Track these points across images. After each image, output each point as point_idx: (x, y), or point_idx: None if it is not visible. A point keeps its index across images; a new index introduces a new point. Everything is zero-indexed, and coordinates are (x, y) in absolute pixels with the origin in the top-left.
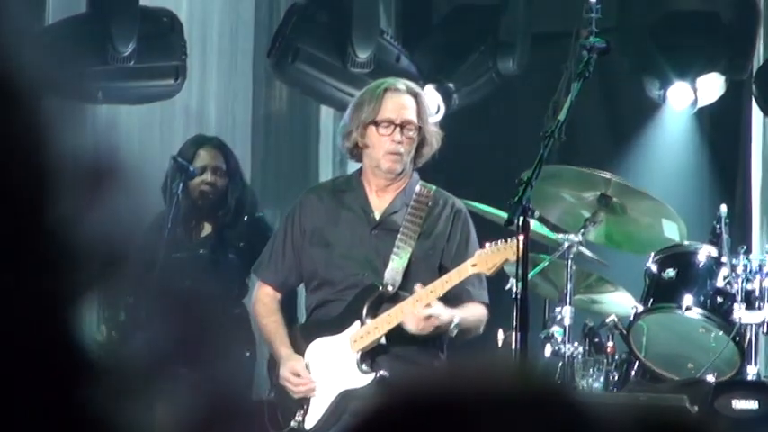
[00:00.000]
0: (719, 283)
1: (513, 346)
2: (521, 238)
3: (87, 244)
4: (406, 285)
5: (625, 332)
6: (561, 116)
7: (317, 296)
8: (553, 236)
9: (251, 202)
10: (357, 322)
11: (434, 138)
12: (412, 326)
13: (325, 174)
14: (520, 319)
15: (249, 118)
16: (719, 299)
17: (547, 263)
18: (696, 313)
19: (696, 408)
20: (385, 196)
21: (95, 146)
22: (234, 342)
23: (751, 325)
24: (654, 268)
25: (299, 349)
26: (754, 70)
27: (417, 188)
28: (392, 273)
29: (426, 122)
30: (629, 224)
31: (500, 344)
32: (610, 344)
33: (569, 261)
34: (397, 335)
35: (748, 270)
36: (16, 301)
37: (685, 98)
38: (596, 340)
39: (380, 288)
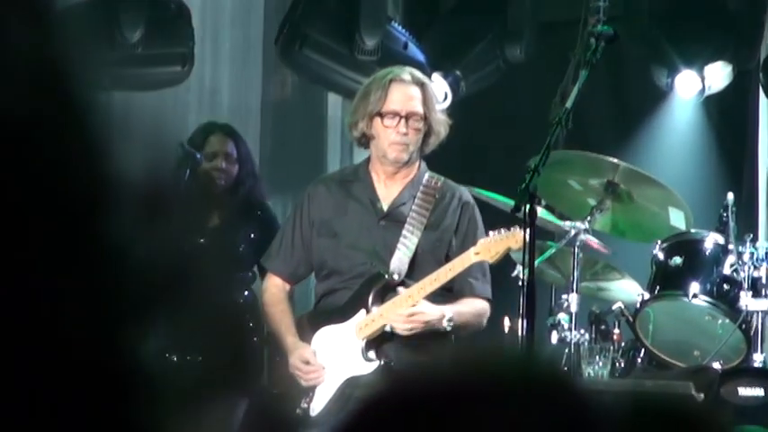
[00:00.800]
0: (726, 270)
1: (520, 333)
2: (527, 225)
3: (151, 260)
4: (411, 276)
5: (631, 319)
6: (568, 104)
7: (325, 285)
8: (560, 223)
9: (260, 192)
10: (363, 310)
11: (441, 126)
12: (399, 326)
13: (334, 161)
14: (526, 306)
15: (259, 105)
16: (726, 286)
17: (554, 250)
18: (702, 301)
19: (702, 395)
20: (393, 186)
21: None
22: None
23: (757, 312)
24: (660, 256)
25: (306, 337)
26: (762, 59)
27: (425, 178)
28: (398, 263)
29: (433, 111)
30: (635, 212)
31: (506, 330)
32: (616, 331)
33: (576, 248)
34: None
35: (755, 258)
36: (74, 313)
37: (693, 86)
38: (603, 327)
39: (386, 276)
